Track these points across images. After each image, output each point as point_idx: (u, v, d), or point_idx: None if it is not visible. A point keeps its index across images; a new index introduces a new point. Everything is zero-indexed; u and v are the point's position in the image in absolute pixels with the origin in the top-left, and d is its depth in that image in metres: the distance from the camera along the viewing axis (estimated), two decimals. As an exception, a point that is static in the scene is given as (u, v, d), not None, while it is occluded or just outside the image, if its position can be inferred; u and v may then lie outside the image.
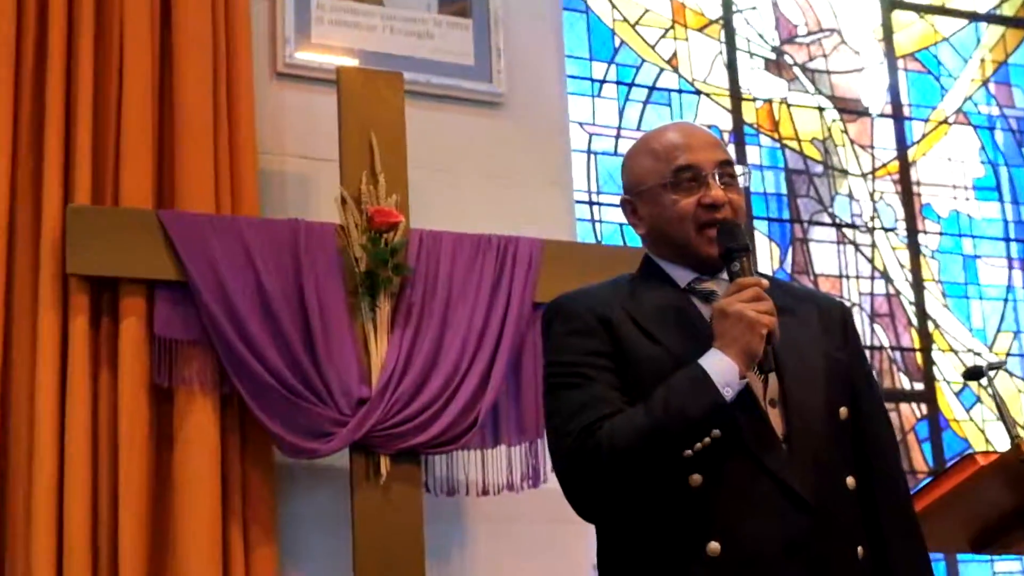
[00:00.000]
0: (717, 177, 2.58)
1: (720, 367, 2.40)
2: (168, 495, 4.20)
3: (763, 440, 2.43)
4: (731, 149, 6.15)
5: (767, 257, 6.03)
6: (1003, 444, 3.53)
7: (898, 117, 6.66)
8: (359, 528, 4.25)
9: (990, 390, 3.72)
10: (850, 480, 2.50)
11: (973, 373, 3.78)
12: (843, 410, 2.54)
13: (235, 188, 4.52)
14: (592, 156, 5.90)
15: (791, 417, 2.47)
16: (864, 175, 6.50)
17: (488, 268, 4.57)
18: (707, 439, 2.39)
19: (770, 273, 3.06)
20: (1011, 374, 6.54)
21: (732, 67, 6.32)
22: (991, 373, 3.72)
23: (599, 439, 2.44)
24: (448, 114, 5.16)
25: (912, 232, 6.51)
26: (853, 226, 6.41)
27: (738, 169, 2.65)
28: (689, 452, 2.39)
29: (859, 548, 2.47)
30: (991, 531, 3.73)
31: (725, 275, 2.56)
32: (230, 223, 4.32)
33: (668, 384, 2.43)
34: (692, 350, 2.45)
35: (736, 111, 6.24)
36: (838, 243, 6.37)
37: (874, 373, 2.82)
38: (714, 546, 2.39)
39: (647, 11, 6.22)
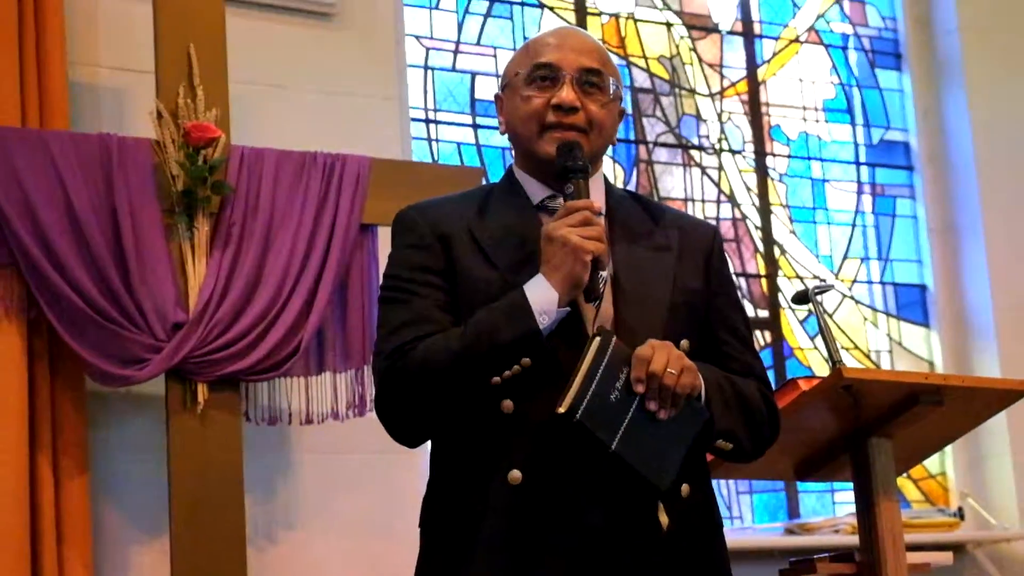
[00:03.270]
0: (576, 82, 2.59)
1: (540, 294, 2.43)
2: (-30, 425, 4.19)
3: None
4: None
5: (611, 179, 6.09)
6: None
7: (748, 35, 6.76)
8: (175, 458, 4.29)
9: (818, 314, 3.82)
10: None
11: (800, 297, 3.89)
12: (684, 342, 2.52)
13: (43, 101, 4.47)
14: (429, 71, 5.91)
15: None
16: (712, 95, 6.60)
17: (313, 187, 4.58)
18: (516, 367, 2.42)
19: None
20: (857, 302, 6.72)
21: (578, -20, 6.37)
22: (819, 297, 3.82)
23: (410, 359, 2.49)
24: (275, 24, 5.15)
25: (760, 154, 6.64)
26: (700, 148, 6.52)
27: (610, 81, 2.63)
28: (497, 379, 2.43)
29: (684, 486, 2.48)
30: (816, 457, 3.85)
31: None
32: (35, 137, 4.28)
33: (489, 307, 2.47)
34: (528, 275, 2.48)
35: (581, 26, 6.27)
36: (684, 165, 6.47)
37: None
38: (515, 474, 2.43)
39: (487, -82, 6.24)
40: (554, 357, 2.43)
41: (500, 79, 2.75)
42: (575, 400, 2.32)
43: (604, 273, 2.47)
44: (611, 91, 2.64)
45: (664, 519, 2.43)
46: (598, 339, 2.37)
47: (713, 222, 6.26)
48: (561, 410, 2.32)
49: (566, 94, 2.59)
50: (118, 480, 4.57)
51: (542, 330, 2.42)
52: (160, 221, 4.35)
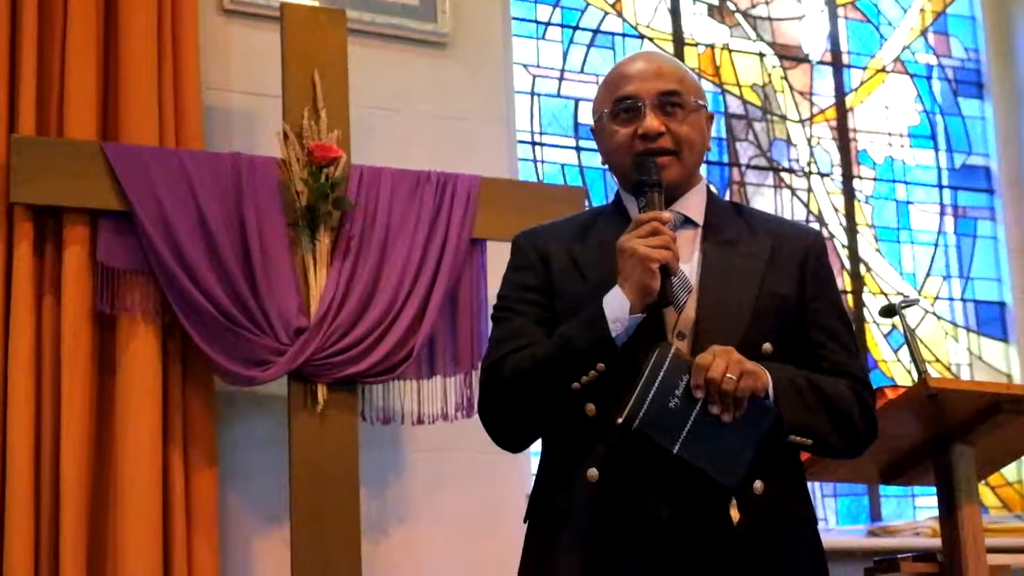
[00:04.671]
0: (656, 108, 2.56)
1: (614, 303, 2.41)
2: (110, 420, 4.25)
3: None
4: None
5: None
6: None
7: (837, 65, 6.68)
8: (295, 453, 4.31)
9: (904, 326, 3.75)
10: None
11: (887, 311, 3.82)
12: (767, 346, 2.48)
13: (179, 122, 4.52)
14: (535, 97, 5.91)
15: (698, 350, 2.42)
16: (802, 121, 6.53)
17: (427, 204, 4.59)
18: (592, 372, 2.41)
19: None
20: (939, 317, 6.60)
21: (675, 12, 6.32)
22: (904, 311, 3.75)
23: (503, 370, 2.52)
24: (392, 53, 5.17)
25: (847, 177, 6.55)
26: (790, 170, 6.45)
27: (689, 96, 2.58)
28: (577, 385, 2.42)
29: (757, 483, 2.43)
30: (901, 462, 3.79)
31: (679, 207, 2.57)
32: (172, 155, 4.33)
33: (572, 319, 2.47)
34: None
35: (678, 56, 6.23)
36: (775, 187, 6.40)
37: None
38: (593, 473, 2.43)
39: (593, -45, 6.22)
40: (632, 361, 2.39)
41: (592, 114, 2.71)
42: (632, 410, 2.32)
43: (680, 279, 2.43)
44: (692, 104, 2.60)
45: (735, 513, 2.40)
46: (656, 351, 2.36)
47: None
48: (620, 420, 2.32)
49: (649, 122, 2.55)
50: (243, 472, 4.60)
51: (615, 337, 2.40)
52: (285, 234, 4.39)
